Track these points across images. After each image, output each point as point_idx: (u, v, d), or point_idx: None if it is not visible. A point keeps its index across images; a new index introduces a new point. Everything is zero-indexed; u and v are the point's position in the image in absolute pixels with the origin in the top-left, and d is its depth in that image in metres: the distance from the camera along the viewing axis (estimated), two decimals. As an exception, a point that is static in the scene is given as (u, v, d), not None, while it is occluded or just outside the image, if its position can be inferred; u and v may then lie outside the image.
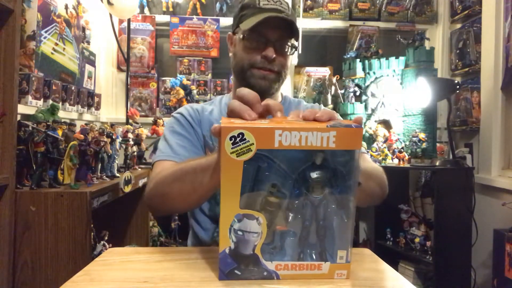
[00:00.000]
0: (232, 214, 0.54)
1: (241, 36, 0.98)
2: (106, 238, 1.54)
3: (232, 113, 0.60)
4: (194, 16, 2.69)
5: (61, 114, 1.71)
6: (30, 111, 1.49)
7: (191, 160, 0.79)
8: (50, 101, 1.64)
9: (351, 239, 0.59)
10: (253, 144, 0.52)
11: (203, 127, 1.02)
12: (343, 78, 2.60)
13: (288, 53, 0.99)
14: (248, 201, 0.55)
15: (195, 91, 2.51)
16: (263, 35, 0.95)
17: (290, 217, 0.57)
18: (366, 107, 2.48)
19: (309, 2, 2.72)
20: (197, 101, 2.45)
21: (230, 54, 1.06)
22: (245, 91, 0.63)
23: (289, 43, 0.98)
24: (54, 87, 1.69)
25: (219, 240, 0.56)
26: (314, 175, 0.55)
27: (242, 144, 0.52)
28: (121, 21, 2.63)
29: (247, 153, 0.52)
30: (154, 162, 0.95)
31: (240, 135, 0.52)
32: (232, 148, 0.52)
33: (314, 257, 0.58)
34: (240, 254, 0.56)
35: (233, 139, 0.51)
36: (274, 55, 0.95)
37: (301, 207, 0.57)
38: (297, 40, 1.00)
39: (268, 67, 0.96)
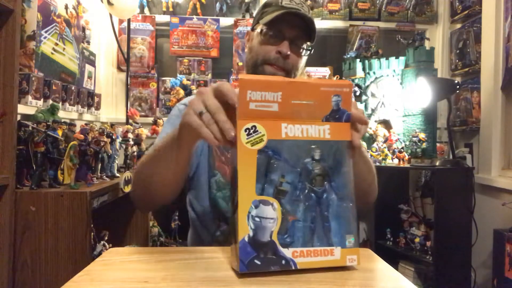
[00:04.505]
0: (250, 200, 0.58)
1: (260, 30, 0.98)
2: (106, 238, 1.53)
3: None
4: (194, 16, 2.69)
5: (61, 114, 1.71)
6: (30, 111, 1.49)
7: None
8: (50, 101, 1.64)
9: (356, 224, 0.63)
10: (264, 135, 0.59)
11: None
12: (343, 78, 2.60)
13: (303, 54, 1.00)
14: (262, 190, 0.59)
15: (195, 91, 2.51)
16: (281, 31, 0.96)
17: (299, 208, 0.60)
18: (366, 107, 2.47)
19: (309, 2, 2.72)
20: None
21: (246, 50, 1.07)
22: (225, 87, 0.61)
23: (304, 46, 0.99)
24: (54, 87, 1.69)
25: (238, 228, 0.57)
26: (315, 168, 0.61)
27: (255, 135, 0.59)
28: (121, 21, 2.63)
29: (259, 143, 0.59)
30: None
31: (253, 127, 0.58)
32: (247, 139, 0.58)
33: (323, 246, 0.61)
34: (258, 242, 0.58)
35: (247, 131, 0.58)
36: (289, 52, 0.95)
37: (307, 199, 0.61)
38: (312, 43, 1.01)
39: (281, 65, 0.96)
